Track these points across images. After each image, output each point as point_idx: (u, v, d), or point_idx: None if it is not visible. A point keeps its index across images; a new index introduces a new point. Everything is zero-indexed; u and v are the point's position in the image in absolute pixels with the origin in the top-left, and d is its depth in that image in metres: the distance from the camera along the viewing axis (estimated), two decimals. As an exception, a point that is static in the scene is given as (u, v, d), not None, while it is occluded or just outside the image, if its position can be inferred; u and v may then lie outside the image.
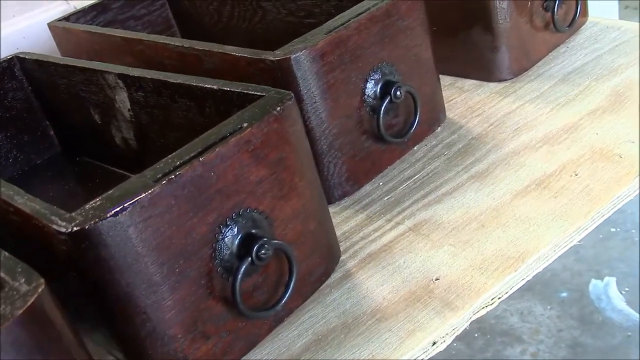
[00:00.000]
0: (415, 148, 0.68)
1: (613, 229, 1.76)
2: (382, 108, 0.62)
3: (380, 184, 0.64)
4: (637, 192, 0.57)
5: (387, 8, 0.62)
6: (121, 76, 0.65)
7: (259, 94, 0.51)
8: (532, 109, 0.69)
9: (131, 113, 0.67)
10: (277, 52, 0.58)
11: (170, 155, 0.44)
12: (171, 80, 0.59)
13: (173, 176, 0.42)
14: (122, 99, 0.67)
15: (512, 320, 1.58)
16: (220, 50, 0.62)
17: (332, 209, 0.62)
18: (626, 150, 0.60)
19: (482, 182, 0.61)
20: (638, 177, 0.57)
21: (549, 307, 1.58)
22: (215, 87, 0.55)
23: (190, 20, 0.96)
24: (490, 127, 0.68)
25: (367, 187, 0.64)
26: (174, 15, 0.98)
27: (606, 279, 1.64)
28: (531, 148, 0.64)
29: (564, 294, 1.60)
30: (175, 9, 0.97)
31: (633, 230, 1.75)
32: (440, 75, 0.79)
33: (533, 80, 0.74)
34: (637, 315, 1.55)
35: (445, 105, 0.73)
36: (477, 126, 0.69)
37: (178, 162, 0.43)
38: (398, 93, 0.62)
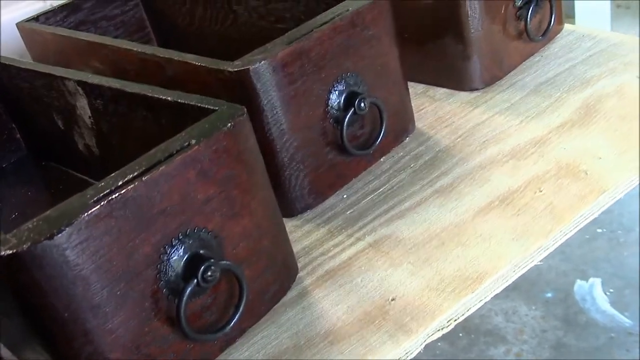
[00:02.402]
0: (382, 159, 0.67)
1: (599, 230, 1.75)
2: (346, 120, 0.60)
3: (345, 196, 0.63)
4: (601, 210, 0.56)
5: (352, 18, 0.60)
6: (80, 83, 0.63)
7: (212, 107, 0.49)
8: (502, 120, 0.68)
9: (92, 120, 0.65)
10: (236, 62, 0.56)
11: (112, 174, 0.43)
12: (128, 90, 0.57)
13: (114, 196, 0.41)
14: (83, 106, 0.65)
15: (496, 320, 1.57)
16: (181, 59, 0.61)
17: (294, 222, 0.61)
18: (592, 166, 0.59)
19: (446, 197, 0.60)
20: (602, 194, 0.56)
21: (533, 307, 1.57)
22: (170, 99, 0.53)
23: (164, 21, 0.94)
24: (459, 139, 0.67)
25: (331, 200, 0.63)
26: (148, 16, 0.96)
27: (591, 279, 1.64)
28: (498, 162, 0.62)
29: (549, 294, 1.59)
30: (149, 10, 0.96)
31: (619, 231, 1.74)
32: (412, 83, 0.78)
33: (505, 90, 0.73)
34: (621, 316, 1.55)
35: (415, 115, 0.72)
36: (446, 138, 0.68)
37: (120, 182, 0.42)
38: (362, 105, 0.61)
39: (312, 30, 0.58)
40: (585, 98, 0.68)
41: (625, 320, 1.51)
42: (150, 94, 0.55)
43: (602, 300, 1.61)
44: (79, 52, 0.76)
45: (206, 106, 0.50)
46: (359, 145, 0.64)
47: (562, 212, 0.55)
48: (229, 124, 0.47)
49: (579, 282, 1.64)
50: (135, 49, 0.66)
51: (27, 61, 0.76)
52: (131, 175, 0.43)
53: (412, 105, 0.74)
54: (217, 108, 0.49)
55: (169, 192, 0.43)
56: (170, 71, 0.63)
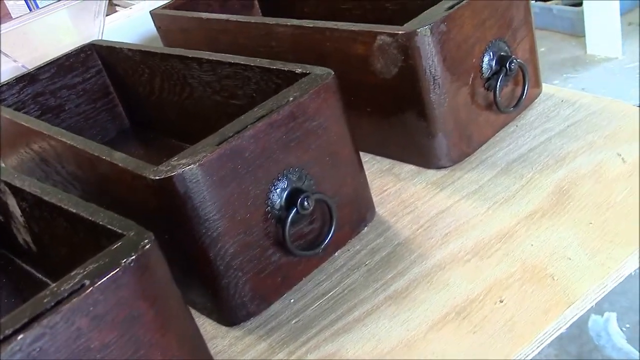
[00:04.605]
0: (336, 254, 0.61)
1: (614, 263, 1.68)
2: (288, 220, 0.55)
3: (292, 300, 0.58)
4: (568, 324, 0.50)
5: (291, 110, 0.55)
6: (7, 183, 0.59)
7: (120, 232, 0.45)
8: (468, 207, 0.62)
9: (23, 219, 0.61)
10: (160, 168, 0.52)
11: (-12, 331, 0.38)
12: (46, 199, 0.53)
13: (-13, 359, 0.36)
14: (13, 205, 0.61)
15: None
16: (109, 159, 0.56)
17: (234, 333, 0.56)
18: (560, 269, 0.53)
19: (399, 306, 0.54)
20: (568, 308, 0.50)
21: (546, 345, 1.50)
22: (84, 214, 0.48)
23: (127, 89, 0.90)
24: (420, 230, 0.61)
25: (277, 305, 0.58)
26: (112, 82, 0.92)
27: (606, 314, 1.57)
28: (458, 261, 0.57)
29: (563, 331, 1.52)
30: (112, 76, 0.92)
31: (635, 264, 1.67)
32: (380, 158, 0.73)
33: (474, 169, 0.67)
34: (638, 353, 1.47)
35: (378, 197, 0.67)
36: (406, 228, 0.62)
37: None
38: (306, 203, 0.56)
39: (245, 127, 0.53)
40: (559, 180, 0.62)
41: (642, 357, 1.44)
42: (65, 207, 0.50)
43: (618, 337, 1.54)
44: (20, 137, 0.72)
45: (115, 229, 0.45)
46: (307, 243, 0.58)
47: (523, 329, 0.49)
48: (133, 257, 0.42)
49: (593, 316, 1.57)
50: (68, 142, 0.62)
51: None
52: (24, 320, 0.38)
53: (376, 185, 0.69)
54: (124, 233, 0.44)
55: (56, 350, 0.38)
56: (102, 169, 0.58)
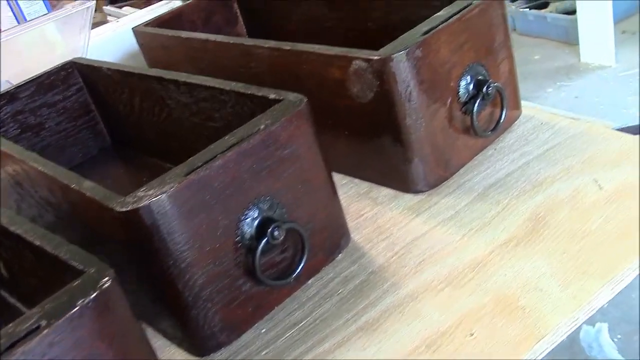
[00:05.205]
0: (309, 282, 0.61)
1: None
2: (258, 250, 0.55)
3: (263, 330, 0.57)
4: (539, 358, 0.49)
5: (263, 139, 0.55)
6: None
7: (80, 268, 0.44)
8: (443, 234, 0.62)
9: (-6, 246, 0.60)
10: (127, 199, 0.51)
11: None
12: (11, 229, 0.52)
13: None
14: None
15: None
16: (77, 187, 0.55)
17: (204, 364, 0.55)
18: (532, 301, 0.52)
19: (370, 338, 0.53)
20: (538, 342, 0.49)
21: (538, 357, 1.50)
22: (47, 248, 0.48)
23: (108, 107, 0.90)
24: (394, 257, 0.61)
25: (248, 335, 0.57)
26: (93, 100, 0.92)
27: (598, 324, 1.57)
28: (431, 290, 0.56)
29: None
30: (93, 94, 0.91)
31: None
32: (358, 181, 0.72)
33: (451, 194, 0.67)
34: (630, 365, 1.47)
35: (354, 223, 0.66)
36: (381, 255, 0.62)
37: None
38: (276, 233, 0.55)
39: (215, 157, 0.53)
40: (536, 207, 0.62)
41: (634, 369, 1.43)
42: (29, 239, 0.50)
43: (610, 347, 1.53)
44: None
45: (75, 265, 0.45)
46: (279, 272, 0.58)
47: (491, 365, 0.48)
48: (91, 296, 0.41)
49: (585, 327, 1.56)
50: (40, 168, 0.61)
51: None
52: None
53: (353, 209, 0.69)
54: (85, 270, 0.44)
55: (8, 391, 0.38)
56: (72, 197, 0.58)
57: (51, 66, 0.90)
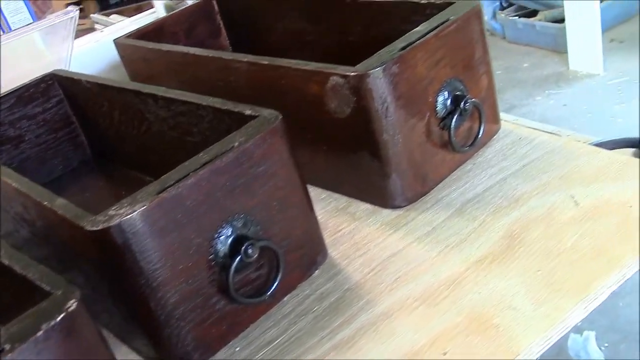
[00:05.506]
0: (285, 299, 0.60)
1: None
2: (232, 269, 0.54)
3: (237, 349, 0.57)
4: (511, 379, 0.49)
5: (236, 156, 0.54)
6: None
7: (47, 289, 0.44)
8: (420, 250, 0.62)
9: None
10: (98, 218, 0.51)
11: None
12: (-17, 249, 0.52)
13: None
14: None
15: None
16: (50, 205, 0.55)
17: (178, 383, 0.55)
18: (505, 319, 0.52)
19: (344, 357, 0.53)
20: (511, 362, 0.49)
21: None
22: (16, 268, 0.48)
23: (88, 119, 0.89)
24: (371, 274, 0.61)
25: (222, 353, 0.57)
26: (74, 112, 0.91)
27: (585, 333, 1.57)
28: (406, 309, 0.56)
29: (542, 349, 1.52)
30: (74, 106, 0.91)
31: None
32: (337, 196, 0.72)
33: (429, 209, 0.66)
34: (618, 373, 1.48)
35: (331, 238, 0.66)
36: (357, 271, 0.61)
37: None
38: (250, 251, 0.55)
39: (187, 175, 0.53)
40: (511, 223, 0.62)
41: (622, 377, 1.43)
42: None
43: (597, 356, 1.53)
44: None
45: (43, 286, 0.44)
46: (254, 289, 0.58)
47: (464, 384, 0.48)
48: (57, 319, 0.41)
49: (572, 335, 1.56)
50: (13, 184, 0.61)
51: None
52: None
53: (331, 224, 0.69)
54: (52, 292, 0.43)
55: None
56: (45, 213, 0.57)
57: (35, 76, 0.89)
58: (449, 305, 0.55)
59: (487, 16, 2.94)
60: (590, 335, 1.57)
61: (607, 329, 1.61)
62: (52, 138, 0.91)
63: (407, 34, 0.65)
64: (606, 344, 1.58)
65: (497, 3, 2.95)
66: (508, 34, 2.86)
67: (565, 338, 1.56)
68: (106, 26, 1.45)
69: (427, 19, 0.67)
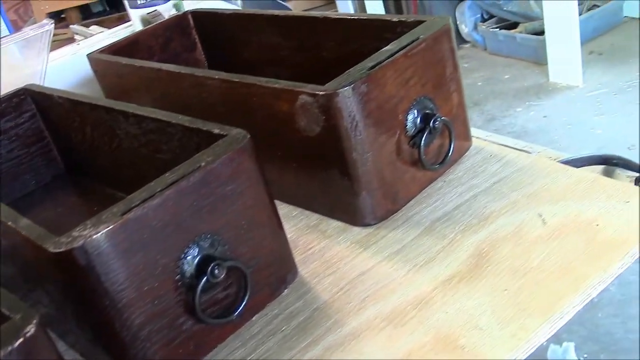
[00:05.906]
0: (254, 318, 0.60)
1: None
2: (198, 289, 0.54)
3: (204, 370, 0.57)
4: (476, 400, 0.49)
5: (203, 176, 0.54)
6: None
7: (6, 314, 0.43)
8: (389, 269, 0.62)
9: None
10: (61, 239, 0.50)
11: None
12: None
13: None
14: None
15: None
16: (14, 225, 0.55)
17: (143, 405, 0.54)
18: (471, 339, 0.52)
19: (310, 378, 0.53)
20: (475, 384, 0.49)
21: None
22: (-23, 291, 0.47)
23: (61, 134, 0.89)
24: (340, 293, 0.61)
25: (189, 374, 0.56)
26: (47, 126, 0.91)
27: (565, 344, 1.57)
28: (373, 329, 0.56)
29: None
30: (46, 120, 0.90)
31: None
32: (308, 213, 0.72)
33: (399, 227, 0.67)
34: (597, 383, 1.48)
35: (302, 256, 0.66)
36: (327, 290, 0.61)
37: None
38: (216, 271, 0.54)
39: (153, 195, 0.52)
40: (480, 242, 0.62)
41: (601, 388, 1.44)
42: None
43: (577, 366, 1.54)
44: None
45: (1, 310, 0.44)
46: (222, 309, 0.57)
47: (428, 406, 0.48)
48: (15, 345, 0.40)
49: (552, 346, 1.57)
50: (-21, 203, 0.60)
51: None
52: None
53: (301, 242, 0.68)
54: (11, 316, 0.43)
55: None
56: (10, 233, 0.57)
57: (8, 90, 0.89)
58: (416, 325, 0.55)
59: (468, 28, 2.96)
60: (570, 345, 1.57)
61: (586, 339, 1.62)
62: (25, 153, 0.90)
63: (377, 52, 0.65)
64: (585, 355, 1.59)
65: (479, 15, 2.97)
66: (489, 46, 2.89)
67: (544, 348, 1.57)
68: (86, 37, 1.45)
69: (398, 37, 0.68)
